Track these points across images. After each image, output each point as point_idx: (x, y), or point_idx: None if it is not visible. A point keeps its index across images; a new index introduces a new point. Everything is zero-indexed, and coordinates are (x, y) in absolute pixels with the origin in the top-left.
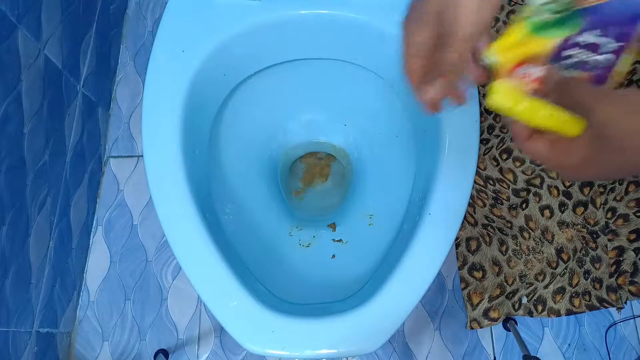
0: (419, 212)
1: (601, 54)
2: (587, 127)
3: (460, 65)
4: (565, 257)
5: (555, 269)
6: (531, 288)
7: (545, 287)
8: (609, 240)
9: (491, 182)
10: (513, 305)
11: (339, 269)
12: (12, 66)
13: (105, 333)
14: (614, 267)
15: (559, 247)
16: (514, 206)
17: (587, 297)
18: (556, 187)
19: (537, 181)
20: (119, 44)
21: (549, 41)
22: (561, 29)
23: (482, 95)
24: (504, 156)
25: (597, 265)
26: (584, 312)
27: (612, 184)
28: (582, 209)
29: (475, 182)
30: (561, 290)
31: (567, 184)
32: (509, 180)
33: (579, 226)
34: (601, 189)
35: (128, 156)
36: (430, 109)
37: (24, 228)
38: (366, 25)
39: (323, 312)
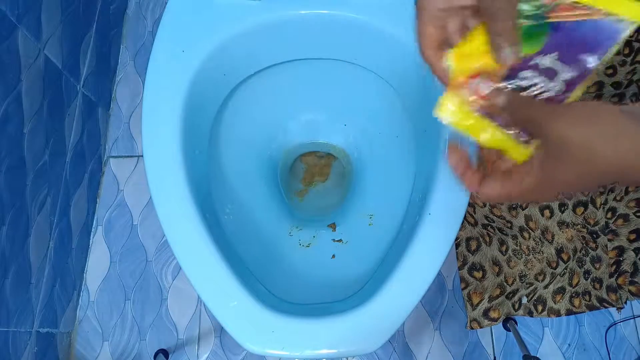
0: (419, 212)
1: (556, 82)
2: (538, 147)
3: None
4: (565, 257)
5: (555, 269)
6: (531, 288)
7: (545, 287)
8: (609, 240)
9: None
10: (513, 305)
11: (339, 269)
12: (12, 66)
13: (105, 333)
14: (614, 267)
15: (559, 247)
16: (514, 206)
17: (587, 297)
18: None
19: None
20: (119, 44)
21: None
22: (525, 46)
23: None
24: None
25: (597, 265)
26: (584, 312)
27: (612, 183)
28: (582, 209)
29: None
30: (561, 290)
31: None
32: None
33: (579, 226)
34: (601, 189)
35: (128, 156)
36: (444, 80)
37: (24, 228)
38: (366, 25)
39: (323, 312)
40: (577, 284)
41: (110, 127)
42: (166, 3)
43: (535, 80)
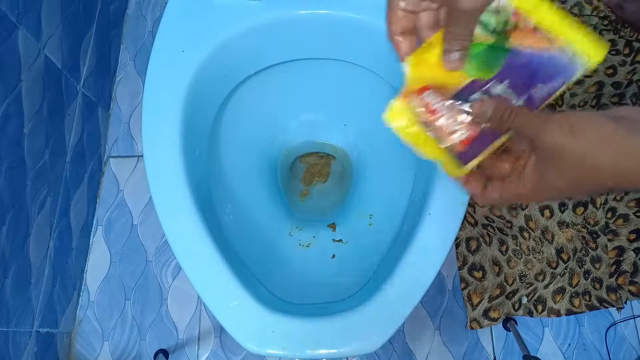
0: (419, 212)
1: None
2: (533, 154)
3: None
4: (565, 257)
5: (555, 269)
6: (531, 288)
7: (545, 287)
8: (609, 240)
9: None
10: (513, 305)
11: (339, 269)
12: (12, 66)
13: (105, 333)
14: (614, 267)
15: (559, 247)
16: (514, 206)
17: (587, 297)
18: None
19: None
20: (119, 44)
21: (463, 77)
22: (480, 68)
23: None
24: None
25: (597, 265)
26: (584, 312)
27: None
28: (582, 209)
29: None
30: (561, 290)
31: None
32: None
33: (579, 226)
34: None
35: (128, 156)
36: (400, 55)
37: (24, 228)
38: (366, 25)
39: (323, 312)
40: (577, 284)
41: (110, 127)
42: (166, 3)
43: None
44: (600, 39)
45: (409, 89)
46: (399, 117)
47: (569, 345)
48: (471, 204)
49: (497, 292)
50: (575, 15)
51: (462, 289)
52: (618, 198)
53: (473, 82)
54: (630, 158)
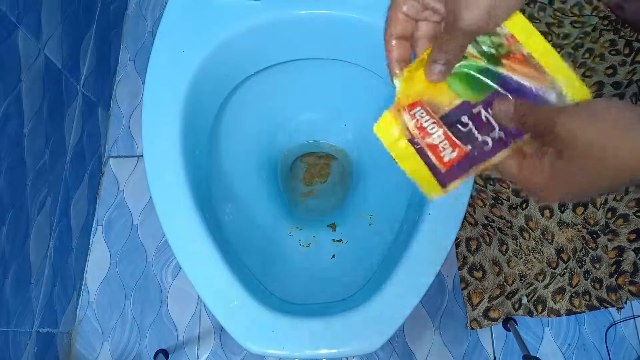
0: (419, 212)
1: (491, 138)
2: (549, 146)
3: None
4: (565, 257)
5: (555, 269)
6: (531, 288)
7: (545, 287)
8: (609, 240)
9: (491, 182)
10: (513, 305)
11: (339, 269)
12: (12, 66)
13: (105, 333)
14: (614, 267)
15: (559, 247)
16: (514, 206)
17: (587, 297)
18: None
19: None
20: (119, 44)
21: (455, 98)
22: (469, 89)
23: None
24: None
25: (597, 265)
26: (584, 312)
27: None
28: (582, 209)
29: (475, 182)
30: (561, 290)
31: None
32: (509, 180)
33: (579, 226)
34: None
35: (128, 156)
36: (391, 68)
37: (24, 228)
38: (366, 25)
39: (323, 312)
40: (577, 284)
41: (110, 127)
42: (166, 3)
43: (471, 127)
44: (584, 83)
45: (399, 103)
46: (388, 130)
47: (569, 345)
48: (471, 204)
49: (497, 292)
50: (575, 15)
51: (462, 289)
52: (618, 198)
53: (463, 103)
54: None
